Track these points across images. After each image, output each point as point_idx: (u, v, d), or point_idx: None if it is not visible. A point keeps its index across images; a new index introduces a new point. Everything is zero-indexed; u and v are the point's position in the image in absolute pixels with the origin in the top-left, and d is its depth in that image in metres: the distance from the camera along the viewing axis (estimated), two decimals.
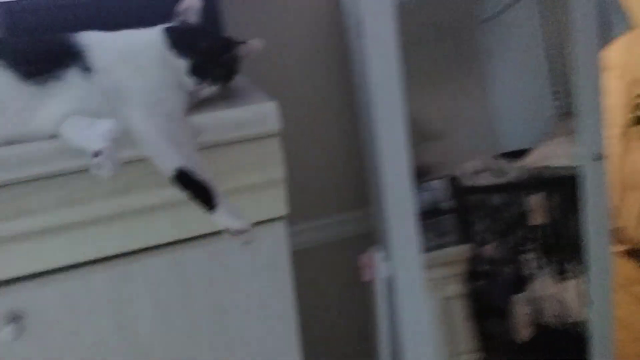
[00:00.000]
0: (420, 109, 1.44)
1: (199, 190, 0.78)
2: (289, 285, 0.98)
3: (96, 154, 0.71)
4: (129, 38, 0.85)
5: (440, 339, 1.47)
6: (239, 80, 0.94)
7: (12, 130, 0.77)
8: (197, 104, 0.87)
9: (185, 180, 0.77)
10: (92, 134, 0.73)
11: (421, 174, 1.42)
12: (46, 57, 0.79)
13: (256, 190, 0.91)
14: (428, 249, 1.35)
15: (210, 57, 0.86)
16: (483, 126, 1.63)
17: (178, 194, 0.78)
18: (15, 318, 0.84)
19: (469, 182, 1.53)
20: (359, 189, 1.49)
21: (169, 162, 0.77)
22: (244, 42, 0.89)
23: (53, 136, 0.79)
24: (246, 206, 0.90)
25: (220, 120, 0.85)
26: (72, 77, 0.79)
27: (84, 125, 0.76)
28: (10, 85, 0.77)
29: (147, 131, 0.77)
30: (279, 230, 0.95)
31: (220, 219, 0.79)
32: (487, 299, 1.53)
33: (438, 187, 1.51)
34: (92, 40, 0.82)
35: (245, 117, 0.86)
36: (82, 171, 0.78)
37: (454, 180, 1.52)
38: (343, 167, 1.50)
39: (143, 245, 0.88)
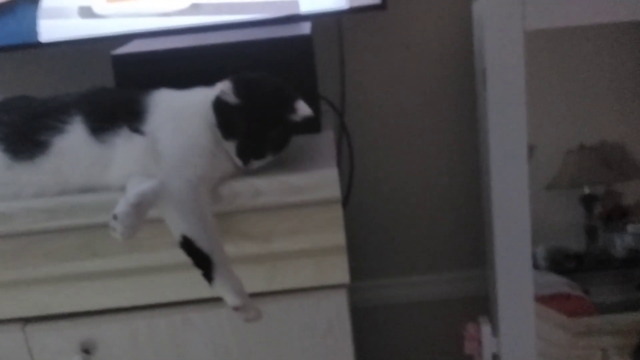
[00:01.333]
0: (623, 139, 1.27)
1: (199, 260, 0.78)
2: (349, 349, 0.94)
3: (114, 217, 0.74)
4: (188, 99, 0.87)
5: None
6: (311, 140, 0.92)
7: (86, 181, 0.84)
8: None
9: (188, 247, 0.78)
10: (123, 197, 0.77)
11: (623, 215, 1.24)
12: (109, 115, 0.85)
13: (317, 255, 0.88)
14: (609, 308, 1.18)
15: (257, 136, 0.83)
16: None
17: (241, 251, 0.80)
18: (86, 349, 0.92)
19: None
20: (476, 249, 1.37)
21: (177, 227, 0.78)
22: (294, 109, 0.83)
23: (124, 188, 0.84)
24: (307, 270, 0.89)
25: (280, 184, 0.84)
26: (123, 137, 0.83)
27: (136, 182, 0.80)
28: (83, 140, 0.84)
29: (165, 195, 0.78)
30: (341, 298, 0.92)
31: (219, 292, 0.78)
32: None
33: None
34: (159, 99, 0.86)
35: (306, 183, 0.84)
36: (149, 221, 0.83)
37: None
38: (462, 221, 1.39)
39: (204, 295, 0.90)
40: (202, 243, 0.78)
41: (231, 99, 0.82)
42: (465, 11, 1.24)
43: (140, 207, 0.75)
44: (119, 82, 0.97)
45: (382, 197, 1.36)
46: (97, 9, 1.16)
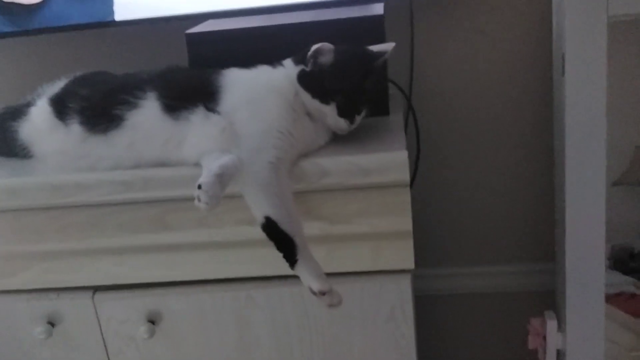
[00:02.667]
0: None
1: (282, 242, 0.78)
2: (411, 336, 0.93)
3: (199, 187, 0.75)
4: (259, 78, 0.87)
5: None
6: (379, 123, 0.91)
7: (159, 156, 0.86)
8: (330, 145, 0.87)
9: (271, 229, 0.78)
10: (207, 168, 0.78)
11: None
12: (185, 94, 0.86)
13: (382, 239, 0.87)
14: None
15: (355, 91, 0.85)
16: None
17: (305, 231, 0.80)
18: (151, 319, 0.95)
19: None
20: (545, 242, 1.32)
21: (259, 209, 0.79)
22: (381, 53, 0.87)
23: (198, 164, 0.85)
24: (371, 254, 0.88)
25: (348, 165, 0.83)
26: (199, 116, 0.84)
27: (212, 158, 0.81)
28: (158, 116, 0.85)
29: (247, 176, 0.79)
30: (405, 283, 0.91)
31: (301, 275, 0.78)
32: None
33: None
34: (230, 80, 0.87)
35: (373, 165, 0.83)
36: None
37: None
38: (532, 213, 1.34)
39: (269, 273, 0.91)
40: (286, 225, 0.78)
41: (328, 59, 0.83)
42: None
43: (223, 177, 0.76)
44: (192, 60, 0.99)
45: (448, 184, 1.33)
46: None
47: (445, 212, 1.35)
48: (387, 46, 0.88)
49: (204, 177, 0.75)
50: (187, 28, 1.02)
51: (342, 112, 0.85)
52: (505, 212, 1.34)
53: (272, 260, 0.83)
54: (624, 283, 1.31)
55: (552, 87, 1.21)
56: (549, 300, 1.28)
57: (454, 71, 1.27)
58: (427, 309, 1.41)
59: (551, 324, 1.17)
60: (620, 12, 1.05)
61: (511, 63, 1.26)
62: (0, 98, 1.24)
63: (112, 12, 1.21)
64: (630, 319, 1.21)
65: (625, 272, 1.33)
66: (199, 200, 0.74)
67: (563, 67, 1.08)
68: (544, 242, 1.32)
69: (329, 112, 0.85)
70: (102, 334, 0.97)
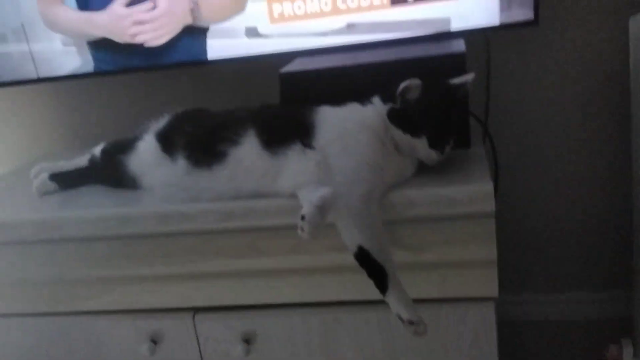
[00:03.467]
0: None
1: (374, 271, 0.82)
2: None
3: (302, 217, 0.80)
4: (350, 115, 0.93)
5: None
6: (461, 155, 0.96)
7: (256, 188, 0.93)
8: (416, 177, 0.92)
9: (364, 258, 0.82)
10: (307, 200, 0.84)
11: None
12: (282, 131, 0.93)
13: (466, 267, 0.91)
14: None
15: (443, 122, 0.90)
16: None
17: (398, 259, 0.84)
18: (247, 339, 1.01)
19: None
20: (621, 269, 1.32)
21: (352, 239, 0.83)
22: (462, 85, 0.92)
23: (292, 195, 0.91)
24: (456, 281, 0.92)
25: (435, 196, 0.88)
26: (296, 151, 0.90)
27: (309, 190, 0.87)
28: (256, 151, 0.92)
29: (341, 207, 0.84)
30: (488, 311, 0.93)
31: (391, 303, 0.82)
32: None
33: None
34: (323, 117, 0.93)
35: (460, 196, 0.87)
36: None
37: None
38: (608, 240, 1.34)
39: (356, 298, 0.96)
40: (377, 254, 0.82)
41: (416, 94, 0.89)
42: (621, 26, 1.21)
43: (323, 209, 0.81)
44: (284, 97, 1.06)
45: (526, 213, 1.35)
46: (261, 29, 1.26)
47: (522, 239, 1.37)
48: (468, 77, 0.93)
49: (306, 209, 0.81)
50: (275, 66, 1.09)
51: (433, 144, 0.90)
52: (582, 240, 1.35)
53: (359, 286, 0.89)
54: None
55: (630, 121, 1.22)
56: (627, 327, 1.27)
57: (531, 103, 1.30)
58: (504, 336, 1.42)
59: (627, 351, 1.17)
60: None
61: (587, 96, 1.28)
62: (105, 132, 1.36)
63: (205, 52, 1.31)
64: None
65: None
66: (302, 230, 0.80)
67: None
68: (620, 269, 1.31)
69: (420, 145, 0.90)
70: (200, 352, 1.04)
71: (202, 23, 1.28)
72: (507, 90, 1.30)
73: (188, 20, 1.28)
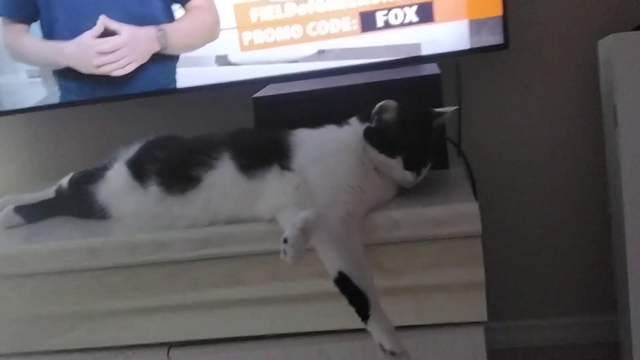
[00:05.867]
0: None
1: (355, 297, 0.78)
2: None
3: (284, 241, 0.77)
4: (328, 136, 0.91)
5: None
6: (449, 173, 0.94)
7: (233, 213, 0.90)
8: (397, 198, 0.90)
9: (344, 284, 0.78)
10: (289, 222, 0.80)
11: None
12: (259, 153, 0.90)
13: (454, 290, 0.88)
14: None
15: (419, 145, 0.88)
16: None
17: (376, 283, 0.80)
18: None
19: None
20: (606, 294, 1.31)
21: (332, 263, 0.80)
22: (441, 113, 0.91)
23: (272, 220, 0.88)
24: (443, 306, 0.89)
25: (419, 217, 0.86)
26: (274, 174, 0.88)
27: (290, 213, 0.84)
28: (232, 175, 0.89)
29: (321, 231, 0.81)
30: (478, 335, 0.90)
31: (373, 331, 0.77)
32: None
33: None
34: (300, 139, 0.91)
35: (444, 216, 0.85)
36: None
37: None
38: (591, 264, 1.34)
39: (341, 327, 0.92)
40: (358, 280, 0.78)
41: (392, 115, 0.87)
42: (590, 49, 1.23)
43: (306, 232, 0.78)
44: (258, 122, 1.04)
45: (503, 236, 1.34)
46: (232, 57, 1.24)
47: (504, 264, 1.35)
48: (450, 109, 0.92)
49: (289, 231, 0.77)
50: (245, 93, 1.07)
51: (408, 166, 0.87)
52: (565, 264, 1.35)
53: (344, 314, 0.84)
54: None
55: (602, 138, 1.24)
56: (614, 351, 1.26)
57: (502, 125, 1.31)
58: None
59: None
60: None
61: (557, 115, 1.30)
62: (73, 163, 1.31)
63: (174, 81, 1.28)
64: None
65: None
66: (285, 253, 0.76)
67: (615, 118, 1.10)
68: (605, 294, 1.31)
69: (395, 166, 0.88)
70: None
71: (171, 51, 1.26)
72: (477, 114, 1.30)
73: (155, 48, 1.26)
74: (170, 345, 0.98)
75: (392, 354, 0.76)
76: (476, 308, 0.88)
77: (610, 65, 1.11)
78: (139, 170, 0.97)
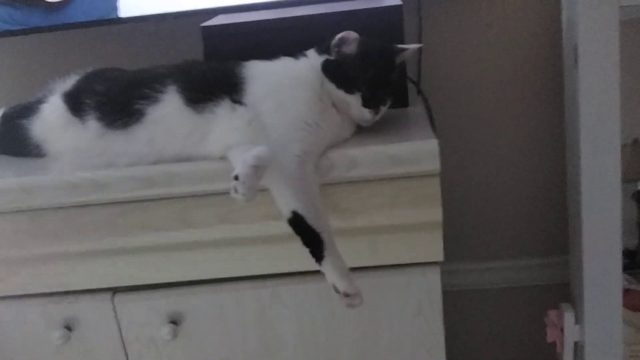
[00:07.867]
0: None
1: (309, 238, 0.76)
2: (440, 332, 0.92)
3: (235, 178, 0.72)
4: (283, 69, 0.86)
5: None
6: (408, 112, 0.90)
7: (181, 150, 0.84)
8: (355, 136, 0.86)
9: (298, 224, 0.76)
10: (240, 159, 0.75)
11: None
12: (208, 86, 0.84)
13: (411, 230, 0.86)
14: None
15: (379, 82, 0.84)
16: None
17: (332, 224, 0.78)
18: (173, 320, 0.92)
19: None
20: (559, 236, 1.32)
21: (286, 203, 0.77)
22: (404, 49, 0.86)
23: (222, 157, 0.83)
24: (400, 246, 0.87)
25: (377, 154, 0.82)
26: (224, 108, 0.82)
27: (242, 150, 0.79)
28: (179, 110, 0.83)
29: (275, 169, 0.77)
30: (433, 276, 0.89)
31: (326, 273, 0.76)
32: None
33: None
34: (253, 72, 0.85)
35: (403, 154, 0.81)
36: None
37: None
38: (545, 206, 1.34)
39: (293, 269, 0.89)
40: (313, 220, 0.76)
41: (353, 48, 0.82)
42: None
43: (259, 169, 0.73)
44: (207, 53, 0.97)
45: (458, 177, 1.33)
46: None
47: (459, 206, 1.34)
48: (413, 46, 0.88)
49: (240, 168, 0.72)
50: (192, 24, 1.00)
51: (367, 103, 0.83)
52: (519, 206, 1.34)
53: (298, 256, 0.81)
54: None
55: (562, 78, 1.22)
56: (565, 292, 1.28)
57: (463, 64, 1.27)
58: (444, 306, 1.41)
59: (568, 316, 1.17)
60: (632, 2, 1.06)
61: (519, 55, 1.27)
62: (8, 96, 1.21)
63: (115, 9, 1.19)
64: (628, 313, 1.21)
65: None
66: (236, 191, 0.72)
67: (576, 58, 1.08)
68: (558, 236, 1.32)
69: (353, 102, 0.83)
70: (121, 337, 0.94)
71: None
72: (438, 52, 1.26)
73: None
74: (115, 291, 0.93)
75: (346, 295, 0.74)
76: (433, 248, 0.87)
77: (572, 3, 1.08)
78: (76, 103, 0.89)
